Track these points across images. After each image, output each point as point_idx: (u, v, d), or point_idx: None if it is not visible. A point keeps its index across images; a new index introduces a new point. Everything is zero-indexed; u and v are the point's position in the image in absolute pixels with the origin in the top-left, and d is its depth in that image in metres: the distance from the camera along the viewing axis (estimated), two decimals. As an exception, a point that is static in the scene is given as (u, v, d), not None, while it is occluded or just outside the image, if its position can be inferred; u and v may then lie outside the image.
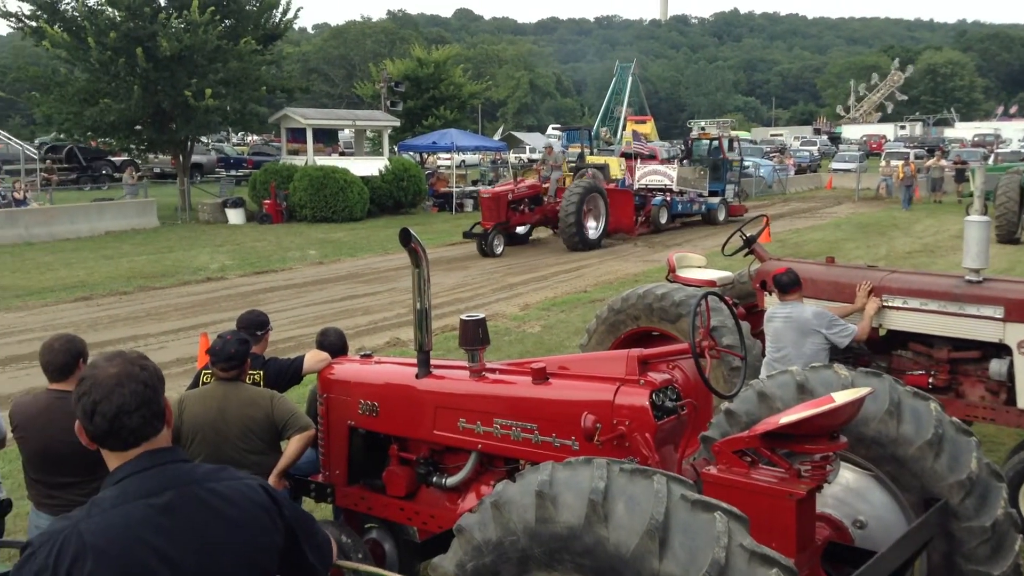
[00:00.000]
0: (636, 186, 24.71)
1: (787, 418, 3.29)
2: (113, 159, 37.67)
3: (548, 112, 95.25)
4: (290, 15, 29.02)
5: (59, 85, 25.92)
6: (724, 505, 2.82)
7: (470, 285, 16.31)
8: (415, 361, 4.80)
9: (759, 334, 6.90)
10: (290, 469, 4.82)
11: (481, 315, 4.56)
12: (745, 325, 5.72)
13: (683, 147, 32.05)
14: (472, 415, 4.37)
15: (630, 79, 51.34)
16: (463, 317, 4.52)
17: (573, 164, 25.70)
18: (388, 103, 33.65)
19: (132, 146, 28.67)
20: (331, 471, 5.04)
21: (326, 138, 30.71)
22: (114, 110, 24.85)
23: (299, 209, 25.82)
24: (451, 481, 4.56)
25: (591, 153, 30.22)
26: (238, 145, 50.55)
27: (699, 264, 8.32)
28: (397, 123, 33.17)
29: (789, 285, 6.27)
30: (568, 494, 2.92)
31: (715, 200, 26.11)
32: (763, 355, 6.54)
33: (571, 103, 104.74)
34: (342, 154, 31.97)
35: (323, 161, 27.92)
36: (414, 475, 4.71)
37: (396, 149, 33.12)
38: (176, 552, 1.93)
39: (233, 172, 39.09)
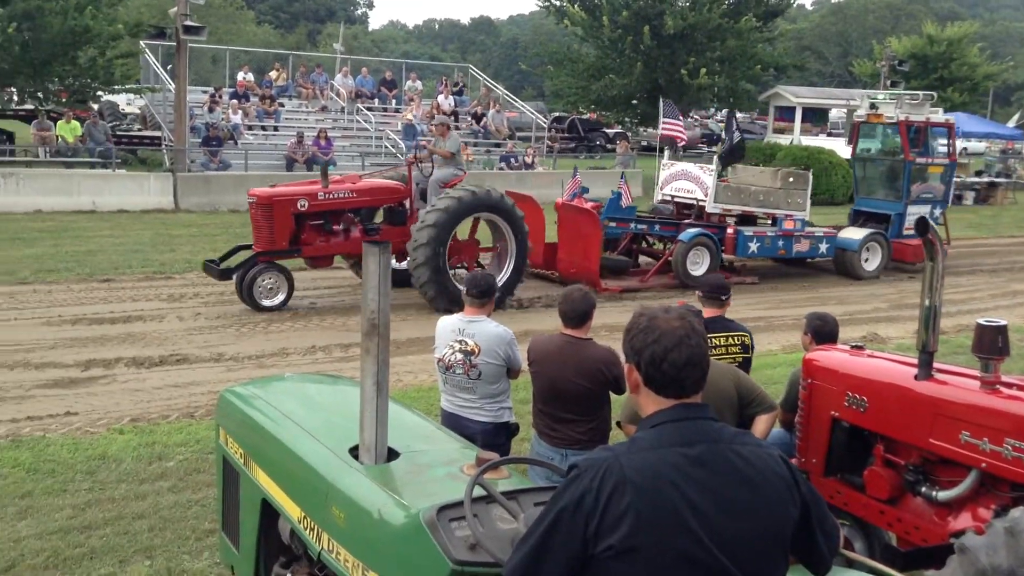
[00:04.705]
0: (659, 197, 15.56)
1: None
2: (607, 131, 40.58)
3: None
4: (794, -10, 28.50)
5: (572, 61, 28.61)
6: None
7: (963, 287, 14.72)
8: (913, 360, 4.52)
9: None
10: None
11: (1003, 321, 4.11)
12: None
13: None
14: (979, 430, 4.00)
15: None
16: (980, 321, 4.13)
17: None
18: (888, 83, 31.50)
19: (626, 119, 30.58)
20: (807, 458, 4.96)
21: (815, 117, 29.85)
22: (617, 85, 26.74)
23: (777, 190, 25.48)
24: (943, 495, 4.22)
25: None
26: (720, 122, 51.15)
27: None
28: (895, 105, 30.96)
29: None
30: (1112, 539, 2.54)
31: (856, 236, 14.82)
32: None
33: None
34: (830, 135, 30.81)
35: (809, 141, 27.17)
36: (900, 480, 4.45)
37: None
38: (703, 503, 2.03)
39: (713, 149, 39.71)
